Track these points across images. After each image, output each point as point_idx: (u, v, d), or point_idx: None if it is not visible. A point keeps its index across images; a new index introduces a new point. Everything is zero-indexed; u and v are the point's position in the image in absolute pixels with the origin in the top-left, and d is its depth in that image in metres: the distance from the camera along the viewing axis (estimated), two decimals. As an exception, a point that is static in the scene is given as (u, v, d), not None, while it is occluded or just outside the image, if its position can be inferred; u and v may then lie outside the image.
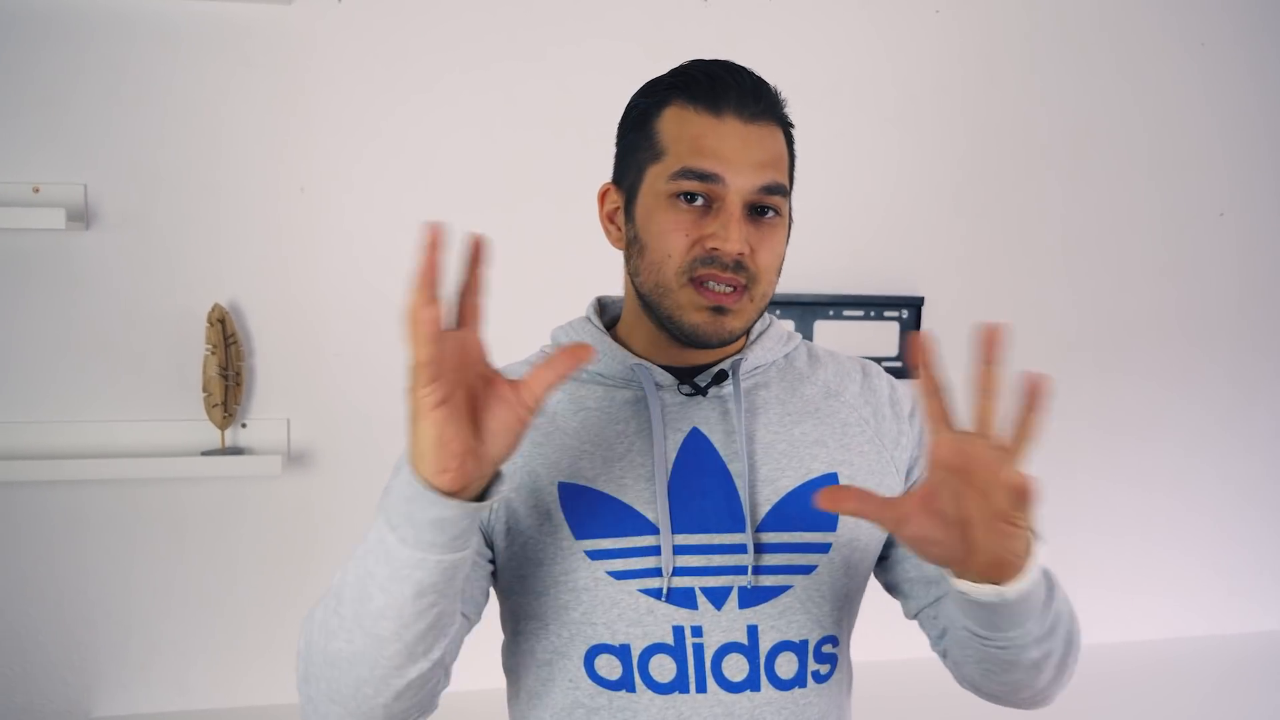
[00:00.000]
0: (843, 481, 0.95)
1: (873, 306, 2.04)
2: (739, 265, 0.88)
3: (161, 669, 1.80)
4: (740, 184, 0.88)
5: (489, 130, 1.86)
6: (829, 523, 0.94)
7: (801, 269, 2.02)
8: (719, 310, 0.89)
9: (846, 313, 2.03)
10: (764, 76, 0.93)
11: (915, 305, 2.06)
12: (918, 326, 2.06)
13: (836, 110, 2.01)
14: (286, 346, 1.81)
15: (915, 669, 1.99)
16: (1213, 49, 2.18)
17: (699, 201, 0.89)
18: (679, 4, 1.93)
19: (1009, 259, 2.12)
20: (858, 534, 0.96)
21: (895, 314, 2.06)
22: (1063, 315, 2.16)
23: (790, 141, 0.96)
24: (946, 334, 2.06)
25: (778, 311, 1.99)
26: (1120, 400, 2.20)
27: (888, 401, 1.03)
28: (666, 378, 0.95)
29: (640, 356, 0.97)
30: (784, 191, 0.92)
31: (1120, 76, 2.14)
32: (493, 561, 0.96)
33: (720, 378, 0.96)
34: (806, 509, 0.94)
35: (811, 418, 0.98)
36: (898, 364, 2.06)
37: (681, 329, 0.91)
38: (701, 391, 0.96)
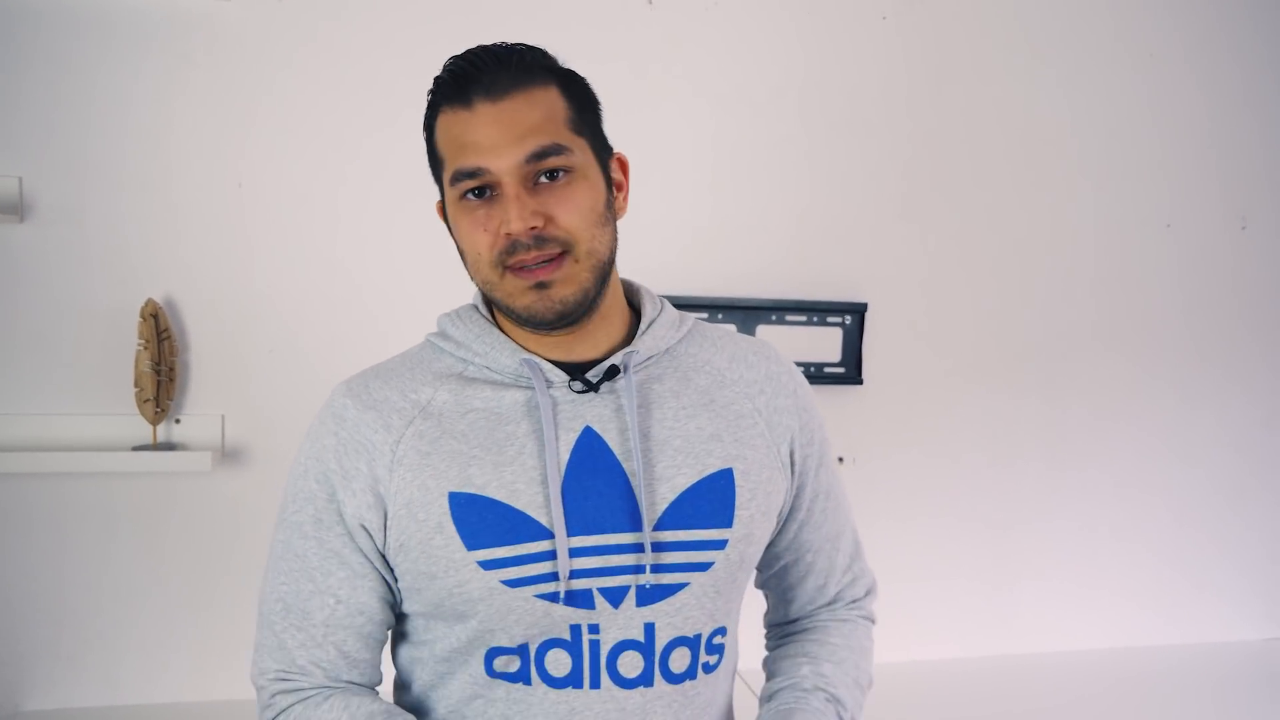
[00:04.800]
0: (738, 477, 0.95)
1: (816, 312, 2.04)
2: (540, 239, 0.88)
3: (92, 664, 1.80)
4: (504, 165, 0.88)
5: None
6: (726, 519, 0.94)
7: (744, 273, 2.02)
8: (542, 286, 0.89)
9: (789, 317, 2.03)
10: (528, 43, 0.92)
11: (859, 311, 2.06)
12: (861, 332, 2.06)
13: (782, 115, 2.02)
14: (221, 342, 1.81)
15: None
16: (1161, 60, 2.18)
17: (486, 194, 0.90)
18: (623, 6, 1.93)
19: (953, 266, 2.13)
20: (752, 529, 0.96)
21: (839, 320, 2.06)
22: (1007, 322, 2.17)
23: (568, 89, 0.93)
24: (889, 340, 2.09)
25: (720, 316, 1.99)
26: (1065, 407, 2.21)
27: (788, 392, 1.02)
28: (557, 374, 0.94)
29: (526, 349, 0.96)
30: (559, 150, 0.89)
31: (1069, 86, 2.15)
32: (394, 577, 0.96)
33: (612, 373, 0.95)
34: (704, 506, 0.94)
35: (706, 410, 0.97)
36: (840, 369, 2.06)
37: (519, 315, 0.92)
38: (594, 388, 0.94)
